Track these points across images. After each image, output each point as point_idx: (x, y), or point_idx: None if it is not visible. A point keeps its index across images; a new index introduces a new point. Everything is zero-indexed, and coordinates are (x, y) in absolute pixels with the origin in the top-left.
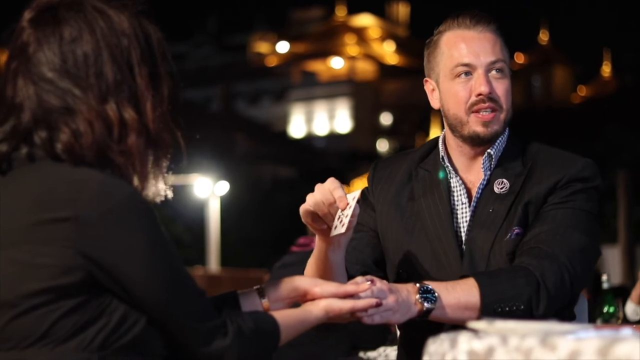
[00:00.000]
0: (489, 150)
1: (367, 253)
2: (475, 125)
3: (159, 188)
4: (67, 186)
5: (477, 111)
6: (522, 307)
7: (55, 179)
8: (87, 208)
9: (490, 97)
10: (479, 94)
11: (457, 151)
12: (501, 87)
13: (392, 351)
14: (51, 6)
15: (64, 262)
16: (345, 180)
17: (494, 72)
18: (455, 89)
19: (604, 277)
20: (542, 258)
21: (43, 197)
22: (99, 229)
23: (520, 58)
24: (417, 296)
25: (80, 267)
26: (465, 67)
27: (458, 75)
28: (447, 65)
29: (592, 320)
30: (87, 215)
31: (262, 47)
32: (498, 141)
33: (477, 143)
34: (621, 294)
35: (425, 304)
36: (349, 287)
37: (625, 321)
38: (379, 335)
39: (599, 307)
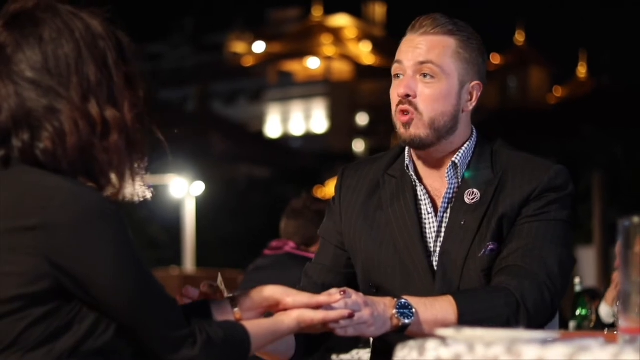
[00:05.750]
0: (453, 159)
1: (335, 272)
2: (399, 127)
3: (137, 188)
4: (35, 194)
5: (401, 112)
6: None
7: (24, 187)
8: (54, 216)
9: (409, 100)
10: (398, 95)
11: (417, 158)
12: (426, 92)
13: (365, 354)
14: (26, 10)
15: (32, 270)
16: (320, 181)
17: (422, 75)
18: (391, 91)
19: (577, 280)
20: (522, 277)
21: (11, 205)
22: (67, 236)
23: (496, 59)
24: (394, 311)
25: (48, 275)
26: (396, 69)
27: (394, 78)
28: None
29: (563, 323)
30: (55, 223)
31: (238, 47)
32: (464, 148)
33: (414, 147)
34: (594, 297)
35: (402, 320)
36: (322, 297)
37: (599, 324)
38: (352, 339)
39: (572, 310)
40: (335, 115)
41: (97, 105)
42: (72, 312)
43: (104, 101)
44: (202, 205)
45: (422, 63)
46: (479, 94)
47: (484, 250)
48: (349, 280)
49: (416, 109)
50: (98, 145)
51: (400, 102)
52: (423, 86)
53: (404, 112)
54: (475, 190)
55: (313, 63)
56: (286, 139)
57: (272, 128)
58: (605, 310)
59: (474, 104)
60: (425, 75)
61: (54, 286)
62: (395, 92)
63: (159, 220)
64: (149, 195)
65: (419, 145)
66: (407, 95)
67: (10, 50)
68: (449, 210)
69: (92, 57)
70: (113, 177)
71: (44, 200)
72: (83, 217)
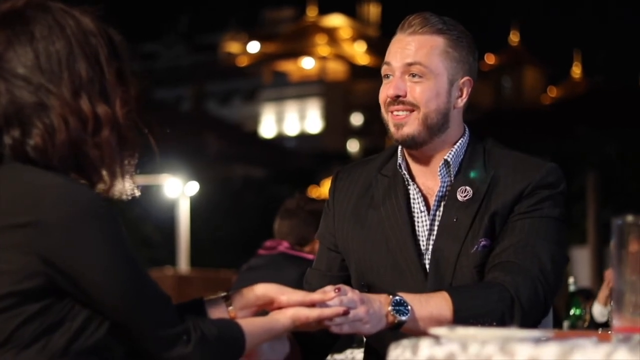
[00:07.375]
0: (445, 157)
1: (330, 276)
2: (391, 127)
3: (126, 186)
4: (28, 192)
5: (392, 112)
6: (494, 323)
7: (16, 185)
8: (47, 213)
9: (401, 100)
10: (388, 96)
11: (410, 157)
12: (418, 89)
13: (359, 354)
14: (17, 9)
15: (24, 267)
16: (315, 181)
17: (410, 75)
18: (380, 92)
19: (571, 280)
20: (515, 273)
21: (3, 203)
22: (60, 234)
23: (490, 59)
24: (390, 308)
25: (41, 272)
26: (385, 70)
27: (384, 78)
28: None
29: (557, 323)
30: (48, 220)
31: (233, 47)
32: (456, 147)
33: (407, 146)
34: (588, 296)
35: (398, 317)
36: (316, 295)
37: (592, 323)
38: (346, 338)
39: (566, 309)
40: (329, 115)
41: (88, 101)
42: (65, 309)
43: (96, 97)
44: (197, 205)
45: (410, 64)
46: (470, 90)
47: (476, 246)
48: (345, 283)
49: (411, 105)
50: (89, 141)
51: (390, 103)
52: (412, 85)
53: (397, 112)
54: (467, 188)
55: (307, 63)
56: (281, 139)
57: (267, 128)
58: (597, 310)
59: (464, 100)
60: (413, 75)
61: (47, 283)
62: (385, 93)
63: (153, 219)
64: (138, 193)
65: (411, 144)
66: (397, 96)
67: (1, 48)
68: (441, 208)
69: (83, 53)
70: (104, 173)
71: (37, 198)
72: (76, 215)
